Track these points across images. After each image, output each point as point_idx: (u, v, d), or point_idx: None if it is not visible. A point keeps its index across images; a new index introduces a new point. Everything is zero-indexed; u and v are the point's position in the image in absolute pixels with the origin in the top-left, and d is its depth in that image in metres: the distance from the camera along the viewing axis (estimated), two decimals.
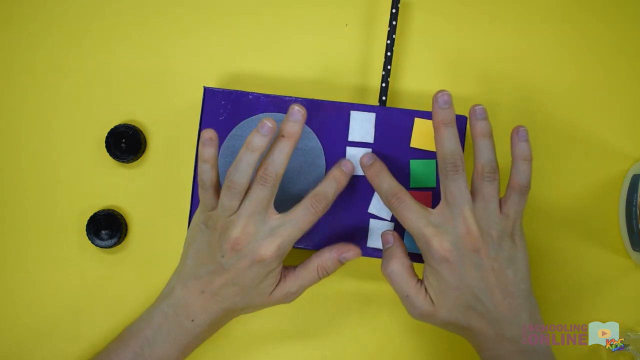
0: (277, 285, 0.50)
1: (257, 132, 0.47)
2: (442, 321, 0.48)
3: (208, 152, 0.48)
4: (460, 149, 0.48)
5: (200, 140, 0.48)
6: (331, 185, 0.50)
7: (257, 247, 0.47)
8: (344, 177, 0.51)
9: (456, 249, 0.46)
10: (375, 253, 0.54)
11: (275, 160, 0.48)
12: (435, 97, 0.48)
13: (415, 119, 0.54)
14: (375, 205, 0.54)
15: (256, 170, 0.48)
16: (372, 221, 0.53)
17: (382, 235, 0.51)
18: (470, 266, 0.46)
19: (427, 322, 0.49)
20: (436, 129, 0.48)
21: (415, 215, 0.48)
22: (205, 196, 0.49)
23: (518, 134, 0.49)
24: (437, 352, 0.57)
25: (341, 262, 0.51)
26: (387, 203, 0.49)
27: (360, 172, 0.53)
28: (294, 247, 0.50)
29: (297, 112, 0.48)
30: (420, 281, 0.49)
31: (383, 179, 0.50)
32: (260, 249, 0.47)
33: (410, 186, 0.53)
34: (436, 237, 0.47)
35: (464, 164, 0.48)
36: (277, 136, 0.48)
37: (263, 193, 0.47)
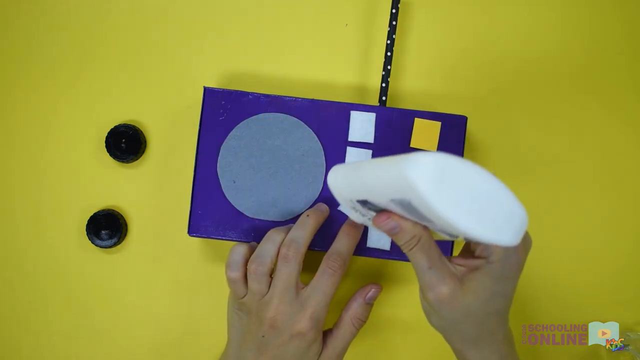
0: (320, 354, 0.50)
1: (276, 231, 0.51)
2: (463, 311, 0.44)
3: (242, 249, 0.51)
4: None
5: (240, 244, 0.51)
6: (343, 242, 0.51)
7: (293, 323, 0.49)
8: (355, 229, 0.51)
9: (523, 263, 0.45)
10: (375, 253, 0.54)
11: (297, 239, 0.49)
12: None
13: (415, 119, 0.54)
14: (373, 239, 0.54)
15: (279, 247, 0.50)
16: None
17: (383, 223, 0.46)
18: (516, 283, 0.45)
19: (437, 311, 0.44)
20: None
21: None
22: (234, 287, 0.51)
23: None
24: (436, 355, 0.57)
25: (370, 304, 0.52)
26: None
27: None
28: (310, 249, 0.51)
29: (323, 208, 0.52)
30: (449, 259, 0.45)
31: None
32: (296, 324, 0.48)
33: None
34: (524, 252, 0.44)
35: None
36: (302, 215, 0.51)
37: (288, 270, 0.49)
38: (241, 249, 0.51)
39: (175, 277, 0.58)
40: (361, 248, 0.53)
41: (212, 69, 0.59)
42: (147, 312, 0.58)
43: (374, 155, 0.54)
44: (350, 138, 0.54)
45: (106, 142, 0.58)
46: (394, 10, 0.55)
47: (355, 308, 0.51)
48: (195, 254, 0.58)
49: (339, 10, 0.59)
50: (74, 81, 0.59)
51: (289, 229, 0.51)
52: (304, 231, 0.50)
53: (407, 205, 0.38)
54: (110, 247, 0.58)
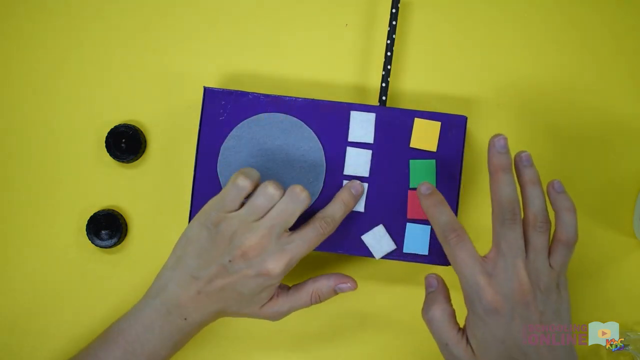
0: (269, 300, 0.50)
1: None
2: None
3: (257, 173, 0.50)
4: (518, 196, 0.47)
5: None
6: (338, 208, 0.51)
7: (266, 261, 0.48)
8: (353, 199, 0.52)
9: (507, 301, 0.45)
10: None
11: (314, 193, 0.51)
12: (491, 141, 0.48)
13: (415, 119, 0.54)
14: (370, 243, 0.54)
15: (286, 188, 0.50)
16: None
17: (426, 278, 0.50)
18: (518, 319, 0.45)
19: None
20: (493, 173, 0.47)
21: (471, 260, 0.46)
22: (234, 195, 0.49)
23: (554, 187, 0.49)
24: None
25: (336, 292, 0.51)
26: (443, 237, 0.48)
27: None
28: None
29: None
30: (462, 330, 0.48)
31: (442, 210, 0.48)
32: (268, 263, 0.48)
33: (410, 186, 0.53)
34: (489, 287, 0.45)
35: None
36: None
37: (292, 208, 0.48)
38: (257, 174, 0.50)
39: None
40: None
41: (212, 69, 0.59)
42: None
43: (373, 155, 0.54)
44: (350, 138, 0.54)
45: (106, 142, 0.58)
46: (394, 10, 0.55)
47: (322, 285, 0.51)
48: None
49: (339, 10, 0.59)
50: (74, 81, 0.59)
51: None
52: (319, 181, 0.51)
53: None
54: (110, 247, 0.58)
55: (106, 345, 0.50)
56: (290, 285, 0.52)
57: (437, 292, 0.49)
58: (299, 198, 0.49)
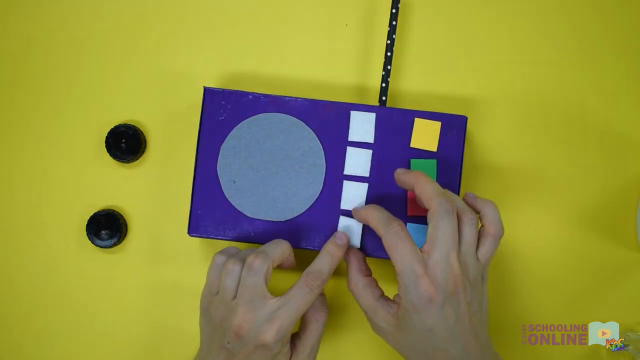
0: (291, 357, 0.50)
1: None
2: (403, 345, 0.48)
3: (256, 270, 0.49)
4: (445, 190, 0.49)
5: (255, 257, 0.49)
6: (325, 261, 0.50)
7: (258, 334, 0.47)
8: (339, 250, 0.51)
9: (440, 290, 0.46)
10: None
11: (265, 251, 0.49)
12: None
13: (415, 119, 0.54)
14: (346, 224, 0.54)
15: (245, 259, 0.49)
16: (342, 218, 0.54)
17: (336, 235, 0.52)
18: (450, 309, 0.46)
19: (388, 342, 0.49)
20: (415, 179, 0.49)
21: (409, 249, 0.47)
22: (214, 275, 0.50)
23: (469, 195, 0.51)
24: None
25: (312, 290, 0.49)
26: (383, 227, 0.48)
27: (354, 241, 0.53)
28: (298, 248, 0.51)
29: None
30: (384, 297, 0.49)
31: (380, 208, 0.50)
32: (261, 335, 0.47)
33: None
34: (425, 276, 0.46)
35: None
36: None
37: (253, 280, 0.48)
38: (236, 249, 0.52)
39: (175, 277, 0.58)
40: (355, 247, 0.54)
41: (212, 69, 0.59)
42: (147, 312, 0.58)
43: (374, 155, 0.54)
44: (350, 138, 0.54)
45: (106, 142, 0.58)
46: (394, 10, 0.55)
47: (308, 302, 0.50)
48: (195, 254, 0.58)
49: (339, 10, 0.59)
50: (74, 81, 0.59)
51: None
52: (275, 248, 0.50)
53: None
54: (110, 247, 0.58)
55: None
56: (297, 331, 0.52)
57: (351, 259, 0.51)
58: (254, 269, 0.48)
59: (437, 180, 0.53)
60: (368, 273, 0.51)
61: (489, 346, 0.48)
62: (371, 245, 0.54)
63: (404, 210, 0.53)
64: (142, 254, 0.58)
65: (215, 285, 0.50)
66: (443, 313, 0.46)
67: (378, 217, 0.49)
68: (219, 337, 0.49)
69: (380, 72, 0.58)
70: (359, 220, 0.52)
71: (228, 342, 0.48)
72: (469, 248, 0.48)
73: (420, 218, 0.53)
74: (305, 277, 0.49)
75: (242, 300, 0.48)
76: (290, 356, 0.50)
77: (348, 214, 0.54)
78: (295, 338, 0.51)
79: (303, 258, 0.53)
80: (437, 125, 0.53)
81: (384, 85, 0.55)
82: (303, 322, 0.51)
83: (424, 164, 0.53)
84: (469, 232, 0.48)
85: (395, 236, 0.47)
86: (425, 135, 0.53)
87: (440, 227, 0.47)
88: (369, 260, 0.57)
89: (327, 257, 0.50)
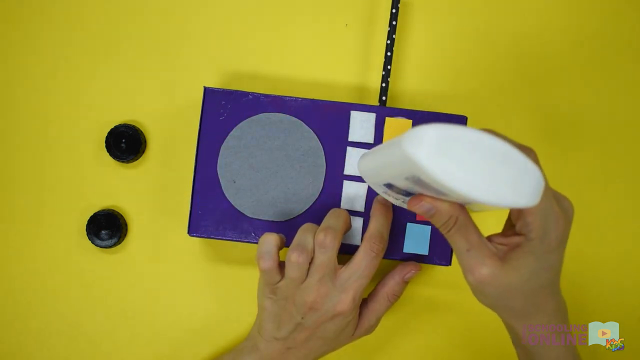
0: (357, 327, 0.52)
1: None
2: (507, 289, 0.43)
3: (276, 238, 0.50)
4: None
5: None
6: (381, 223, 0.51)
7: (334, 305, 0.49)
8: (388, 210, 0.51)
9: (567, 233, 0.43)
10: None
11: (333, 226, 0.49)
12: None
13: (387, 118, 0.53)
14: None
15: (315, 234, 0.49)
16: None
17: (417, 206, 0.43)
18: (563, 252, 0.44)
19: (481, 292, 0.44)
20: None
21: (548, 192, 0.42)
22: (268, 276, 0.50)
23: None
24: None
25: (406, 282, 0.53)
26: (449, 224, 0.42)
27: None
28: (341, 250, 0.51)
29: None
30: (491, 238, 0.44)
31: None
32: (337, 305, 0.49)
33: None
34: (563, 218, 0.43)
35: None
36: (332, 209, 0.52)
37: (327, 257, 0.49)
38: (272, 239, 0.50)
39: (175, 277, 0.58)
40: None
41: (212, 69, 0.59)
42: (147, 312, 0.58)
43: None
44: (350, 138, 0.54)
45: (106, 142, 0.58)
46: (394, 10, 0.55)
47: (392, 285, 0.52)
48: (195, 254, 0.58)
49: (339, 10, 0.59)
50: (74, 81, 0.59)
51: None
52: (338, 220, 0.50)
53: (418, 182, 0.38)
54: (110, 247, 0.58)
55: None
56: (366, 298, 0.53)
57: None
58: (327, 247, 0.49)
59: None
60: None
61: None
62: None
63: (404, 210, 0.53)
64: (142, 254, 0.58)
65: (272, 279, 0.50)
66: (562, 256, 0.44)
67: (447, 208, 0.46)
68: (292, 313, 0.50)
69: (380, 72, 0.58)
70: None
71: (302, 318, 0.50)
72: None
73: (421, 220, 0.53)
74: (369, 242, 0.50)
75: (315, 277, 0.49)
76: (357, 325, 0.52)
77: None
78: (362, 306, 0.52)
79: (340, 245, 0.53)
80: (407, 123, 0.53)
81: (384, 85, 0.55)
82: (377, 295, 0.53)
83: None
84: None
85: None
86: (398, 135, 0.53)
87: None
88: None
89: (381, 218, 0.51)
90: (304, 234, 0.50)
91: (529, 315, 0.45)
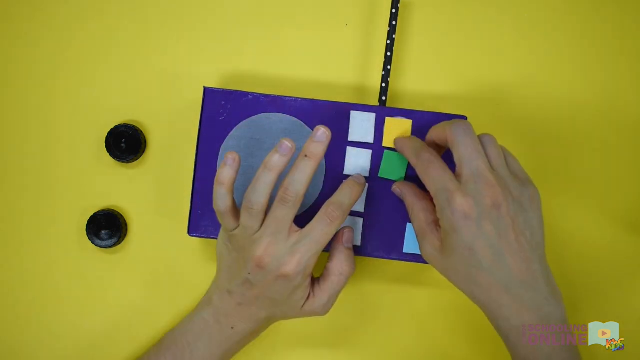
0: (307, 300, 0.51)
1: (276, 152, 0.47)
2: (448, 277, 0.48)
3: (227, 174, 0.48)
4: None
5: (223, 160, 0.48)
6: (345, 193, 0.50)
7: (280, 265, 0.48)
8: (359, 186, 0.51)
9: (476, 204, 0.45)
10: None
11: (296, 180, 0.48)
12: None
13: (387, 118, 0.53)
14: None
15: (277, 189, 0.49)
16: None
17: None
18: (489, 224, 0.45)
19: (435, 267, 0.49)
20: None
21: (442, 171, 0.47)
22: (223, 220, 0.50)
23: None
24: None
25: (350, 249, 0.51)
26: (415, 157, 0.49)
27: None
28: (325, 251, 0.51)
29: (322, 134, 0.48)
30: (436, 223, 0.48)
31: (414, 138, 0.51)
32: (282, 266, 0.48)
33: (379, 175, 0.54)
34: (459, 191, 0.45)
35: None
36: (299, 155, 0.49)
37: (284, 212, 0.48)
38: (225, 178, 0.48)
39: (175, 277, 0.58)
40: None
41: (212, 69, 0.59)
42: (147, 312, 0.58)
43: (373, 155, 0.54)
44: (350, 138, 0.54)
45: (106, 142, 0.58)
46: (394, 10, 0.55)
47: (336, 255, 0.51)
48: (195, 254, 0.58)
49: (339, 10, 0.59)
50: (74, 81, 0.59)
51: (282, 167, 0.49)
52: (303, 175, 0.48)
53: None
54: (110, 247, 0.58)
55: (159, 351, 0.53)
56: (319, 278, 0.52)
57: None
58: (288, 201, 0.48)
59: None
60: (426, 198, 0.50)
61: (546, 276, 0.47)
62: (371, 245, 0.54)
63: (404, 211, 0.53)
64: (142, 254, 0.58)
65: (232, 226, 0.50)
66: (482, 229, 0.45)
67: (411, 147, 0.50)
68: (241, 267, 0.49)
69: (380, 72, 0.58)
70: (397, 149, 0.52)
71: (249, 273, 0.49)
72: (500, 162, 0.47)
73: None
74: (326, 209, 0.49)
75: (267, 231, 0.48)
76: (307, 298, 0.50)
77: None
78: (315, 284, 0.51)
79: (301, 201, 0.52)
80: (408, 123, 0.53)
81: (384, 85, 0.55)
82: (327, 271, 0.51)
83: (399, 156, 0.53)
84: (493, 150, 0.48)
85: (426, 162, 0.48)
86: (397, 135, 0.53)
87: (462, 142, 0.46)
88: (370, 260, 0.57)
89: (347, 190, 0.50)
90: (264, 181, 0.48)
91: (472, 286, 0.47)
